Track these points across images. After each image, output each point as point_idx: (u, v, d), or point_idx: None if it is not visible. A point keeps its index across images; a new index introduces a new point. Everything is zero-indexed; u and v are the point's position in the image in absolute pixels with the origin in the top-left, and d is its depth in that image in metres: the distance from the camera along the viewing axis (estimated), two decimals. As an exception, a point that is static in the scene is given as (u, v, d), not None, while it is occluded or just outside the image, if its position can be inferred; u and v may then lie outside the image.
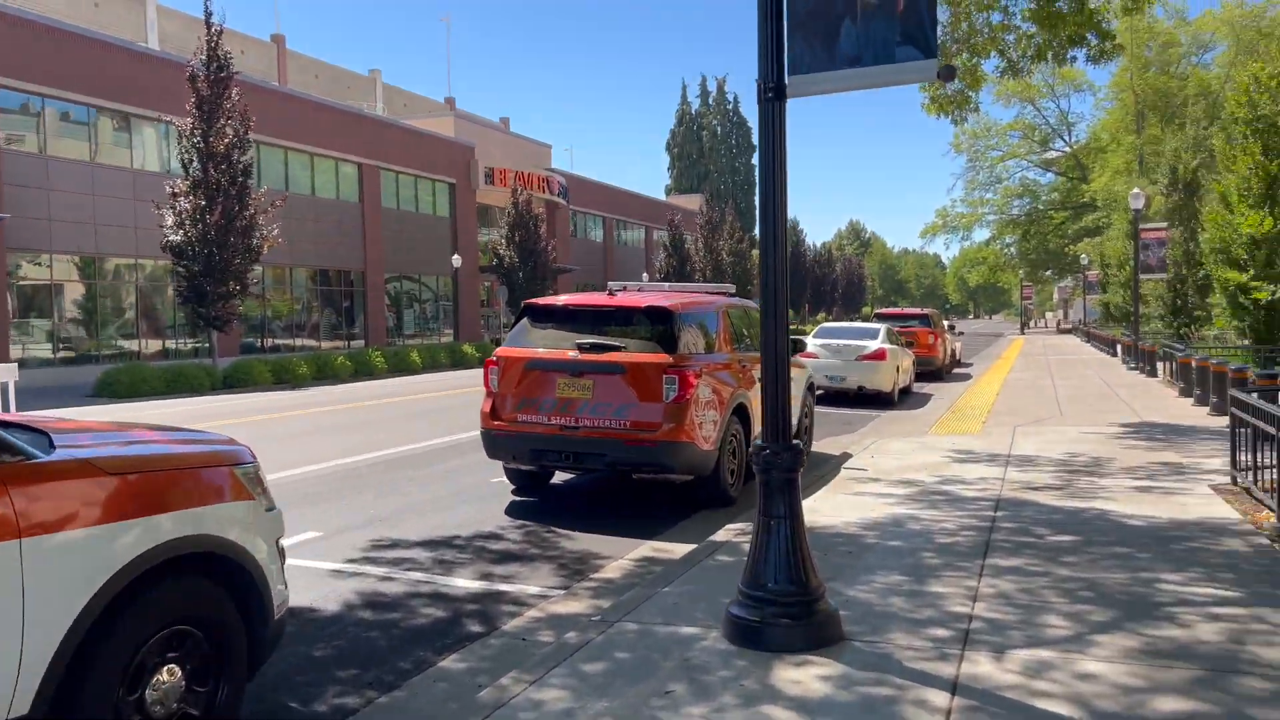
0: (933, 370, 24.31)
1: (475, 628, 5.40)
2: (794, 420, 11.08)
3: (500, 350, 8.66)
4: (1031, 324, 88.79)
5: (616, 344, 8.22)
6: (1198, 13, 56.42)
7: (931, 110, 14.91)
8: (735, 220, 64.78)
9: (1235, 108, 20.01)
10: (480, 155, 45.22)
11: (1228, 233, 19.46)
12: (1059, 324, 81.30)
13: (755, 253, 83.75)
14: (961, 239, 72.16)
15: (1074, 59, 13.49)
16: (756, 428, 9.61)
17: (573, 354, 8.23)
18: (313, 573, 6.45)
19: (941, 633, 4.78)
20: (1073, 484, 8.92)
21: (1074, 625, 4.85)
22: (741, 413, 9.12)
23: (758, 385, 9.72)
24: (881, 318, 25.38)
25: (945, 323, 29.92)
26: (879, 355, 18.18)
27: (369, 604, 5.83)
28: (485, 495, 9.12)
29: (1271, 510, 7.21)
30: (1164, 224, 30.54)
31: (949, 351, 26.77)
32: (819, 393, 18.76)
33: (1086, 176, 59.89)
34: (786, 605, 4.62)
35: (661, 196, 77.42)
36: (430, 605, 5.81)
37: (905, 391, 19.99)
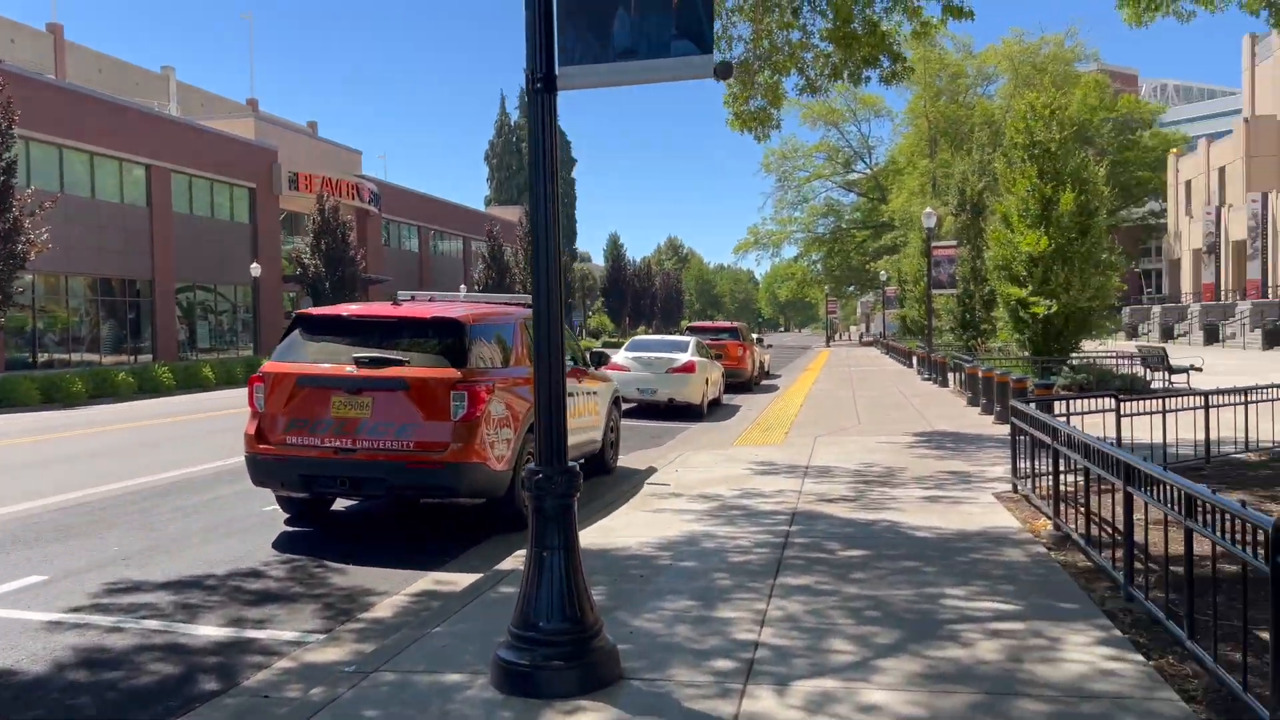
0: (742, 382, 24.71)
1: (211, 685, 4.71)
2: (598, 436, 10.81)
3: (268, 365, 7.88)
4: (837, 337, 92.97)
5: (399, 358, 7.62)
6: (982, 47, 60.66)
7: (736, 126, 15.04)
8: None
9: (1014, 134, 21.34)
10: (284, 159, 42.98)
11: (1009, 251, 20.68)
12: (861, 337, 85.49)
13: (578, 266, 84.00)
14: (772, 255, 74.66)
15: (868, 79, 13.89)
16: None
17: (350, 369, 7.56)
18: (23, 626, 5.54)
19: (725, 665, 4.49)
20: (866, 495, 9.00)
21: (860, 649, 4.67)
22: (538, 430, 8.69)
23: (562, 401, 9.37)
24: (693, 331, 25.64)
25: (754, 336, 30.57)
26: (688, 368, 18.21)
27: (86, 662, 5.02)
28: (254, 526, 8.28)
29: (1048, 518, 7.43)
30: (954, 242, 32.34)
31: (757, 364, 27.33)
32: (631, 405, 18.69)
33: (885, 197, 63.25)
34: (559, 645, 4.22)
35: (481, 207, 76.27)
36: (162, 660, 5.05)
37: (715, 403, 20.14)
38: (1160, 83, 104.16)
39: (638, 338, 21.11)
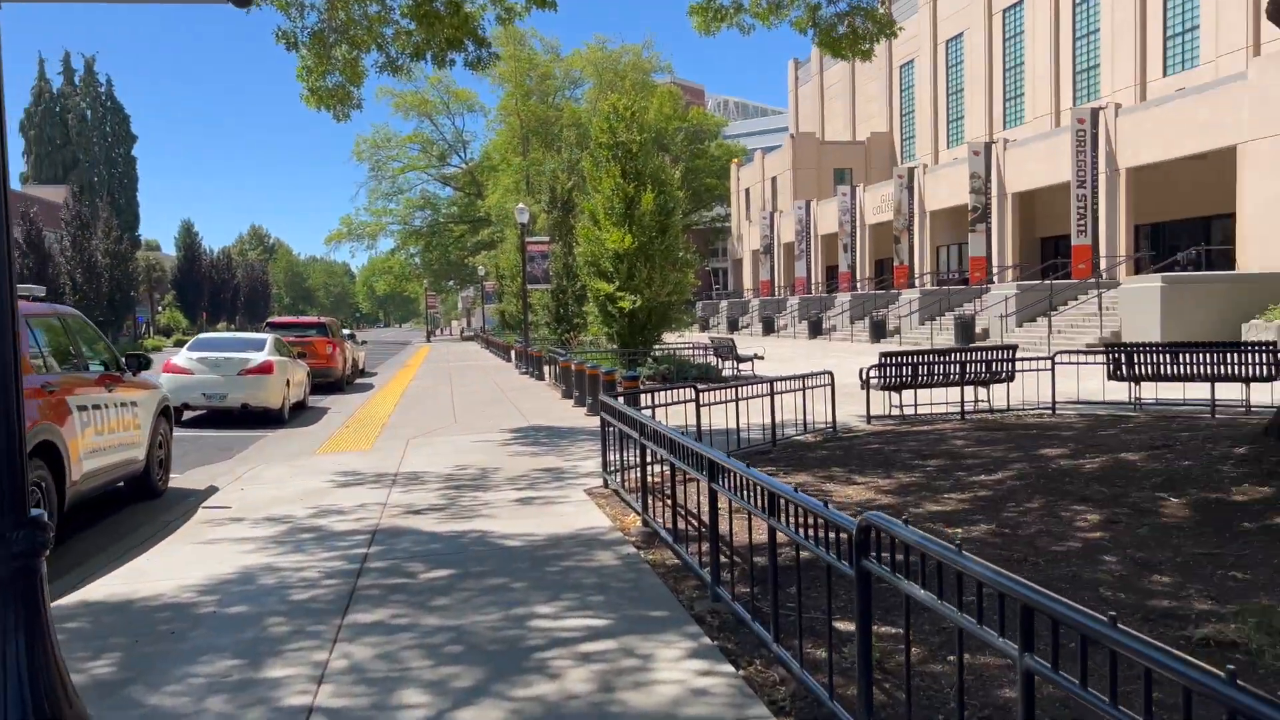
0: (332, 382, 23.14)
1: None
2: (140, 455, 9.12)
3: None
4: (438, 332, 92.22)
5: None
6: (569, 51, 63.18)
7: (312, 103, 13.82)
8: (113, 218, 57.04)
9: (599, 134, 21.97)
10: None
11: (597, 247, 21.26)
12: (462, 332, 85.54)
13: (143, 255, 74.81)
14: (368, 247, 72.56)
15: (453, 62, 13.31)
16: (78, 470, 7.55)
17: None
18: None
19: (266, 748, 3.59)
20: (457, 502, 8.37)
21: (436, 699, 3.99)
22: (49, 454, 7.04)
23: (76, 415, 7.68)
24: (273, 327, 23.54)
25: (347, 332, 28.94)
26: (265, 368, 16.44)
27: None
28: None
29: (638, 513, 7.29)
30: (547, 238, 33.02)
31: (350, 361, 25.80)
32: (197, 413, 16.54)
33: (482, 193, 63.58)
34: (17, 764, 3.06)
35: (16, 186, 65.23)
36: None
37: (300, 406, 18.50)
38: (723, 99, 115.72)
39: (203, 336, 18.79)
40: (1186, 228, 31.27)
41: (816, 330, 43.12)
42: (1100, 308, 26.56)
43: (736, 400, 10.66)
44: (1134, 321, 24.15)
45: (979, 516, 6.96)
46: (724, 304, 58.48)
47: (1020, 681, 2.40)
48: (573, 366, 17.96)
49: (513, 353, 32.76)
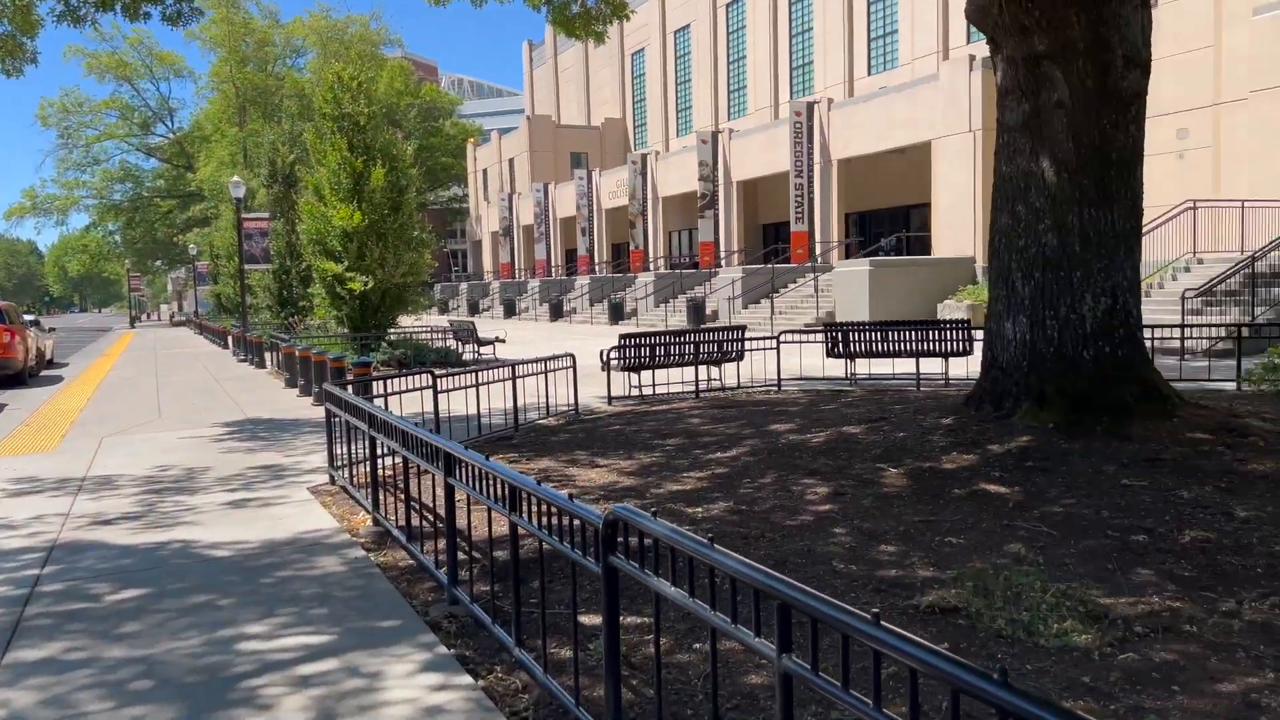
0: (13, 374, 20.30)
1: None
2: None
3: None
4: (145, 317, 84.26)
5: None
6: (290, 17, 59.25)
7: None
8: None
9: (323, 105, 20.61)
10: None
11: (323, 225, 19.96)
12: (173, 316, 78.58)
13: None
14: (57, 224, 64.75)
15: (148, 15, 11.93)
16: None
17: None
18: None
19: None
20: (156, 508, 7.42)
21: (116, 751, 3.37)
22: None
23: None
24: (-68, 313, 20.31)
25: (28, 317, 25.59)
26: (-80, 361, 14.06)
27: None
28: None
29: (368, 512, 6.75)
30: (267, 215, 30.78)
31: (34, 351, 22.76)
32: None
33: (193, 165, 58.48)
34: None
35: None
36: None
37: (-32, 404, 16.04)
38: (457, 78, 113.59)
39: None
40: (890, 215, 34.13)
41: (558, 313, 43.25)
42: (817, 290, 28.38)
43: (477, 385, 10.28)
44: (846, 302, 25.99)
45: (718, 494, 7.02)
46: (464, 286, 57.41)
47: (778, 684, 2.24)
48: (297, 353, 16.74)
49: (230, 338, 30.32)
